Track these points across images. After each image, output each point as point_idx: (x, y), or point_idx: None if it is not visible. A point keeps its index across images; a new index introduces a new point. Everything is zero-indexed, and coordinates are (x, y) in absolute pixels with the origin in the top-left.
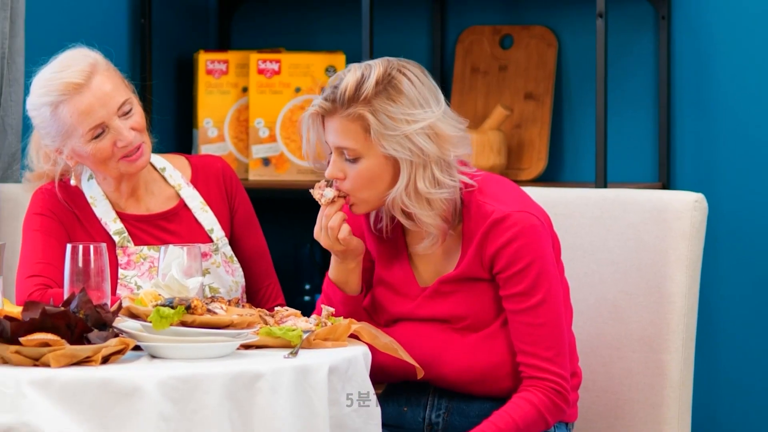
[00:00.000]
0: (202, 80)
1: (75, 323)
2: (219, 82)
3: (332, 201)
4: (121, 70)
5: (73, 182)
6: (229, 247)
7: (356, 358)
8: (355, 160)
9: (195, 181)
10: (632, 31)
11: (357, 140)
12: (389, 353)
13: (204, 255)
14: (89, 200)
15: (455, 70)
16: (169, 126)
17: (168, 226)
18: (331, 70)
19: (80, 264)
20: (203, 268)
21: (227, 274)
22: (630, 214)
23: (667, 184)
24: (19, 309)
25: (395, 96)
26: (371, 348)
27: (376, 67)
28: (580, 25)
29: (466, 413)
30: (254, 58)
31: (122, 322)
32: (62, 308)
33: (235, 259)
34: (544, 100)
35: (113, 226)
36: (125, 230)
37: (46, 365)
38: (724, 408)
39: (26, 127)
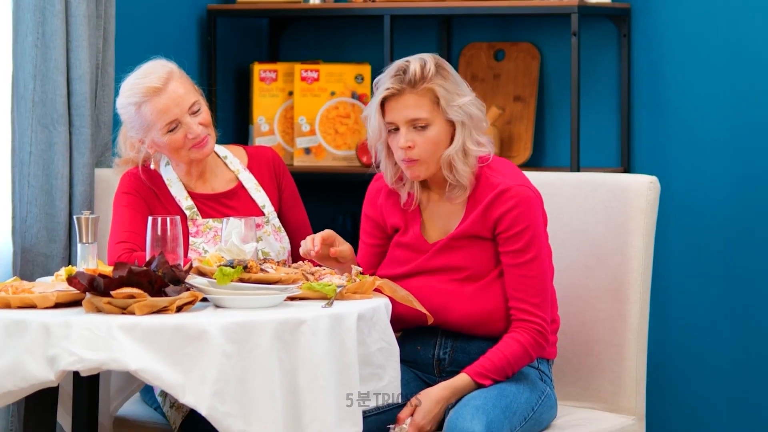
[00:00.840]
0: (257, 86)
1: (155, 280)
2: (270, 88)
3: None
4: (192, 77)
5: (152, 167)
6: (277, 220)
7: (379, 308)
8: (425, 128)
9: (251, 167)
10: (600, 46)
11: (427, 110)
12: (406, 304)
13: (257, 226)
14: (166, 182)
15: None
16: (230, 122)
17: (229, 203)
18: (359, 78)
19: (159, 232)
20: (257, 236)
21: (276, 241)
22: (598, 193)
23: (627, 168)
24: (110, 269)
25: (448, 77)
26: (391, 300)
27: (429, 58)
28: (558, 42)
29: (467, 351)
30: (298, 68)
31: (192, 279)
32: (144, 268)
33: (282, 229)
34: (530, 101)
35: (185, 202)
36: (195, 206)
37: (132, 313)
38: (673, 345)
39: (116, 123)
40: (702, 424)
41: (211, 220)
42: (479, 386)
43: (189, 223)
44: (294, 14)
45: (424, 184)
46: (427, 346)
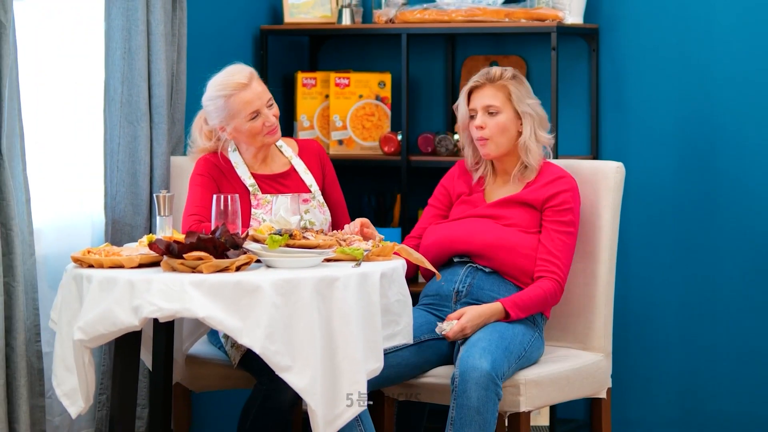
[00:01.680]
0: (300, 90)
1: (218, 245)
2: (310, 92)
3: None
4: None
5: (221, 152)
6: (321, 197)
7: (398, 267)
8: (495, 114)
9: (301, 155)
10: (574, 58)
11: (500, 101)
12: (419, 264)
13: (305, 201)
14: (233, 164)
15: (460, 84)
16: (279, 119)
17: (283, 182)
18: (381, 84)
19: (221, 207)
20: (305, 209)
21: (320, 214)
22: (576, 175)
23: (596, 155)
24: (183, 236)
25: (522, 82)
26: (407, 261)
27: (509, 68)
28: (541, 55)
29: (482, 287)
30: (333, 76)
31: (248, 244)
32: (210, 235)
33: (325, 204)
34: None
35: (248, 180)
36: (256, 184)
37: (200, 272)
38: (634, 296)
39: (188, 120)
40: (657, 359)
41: (268, 195)
42: (507, 315)
43: (251, 197)
44: (330, 33)
45: (494, 172)
46: (450, 282)
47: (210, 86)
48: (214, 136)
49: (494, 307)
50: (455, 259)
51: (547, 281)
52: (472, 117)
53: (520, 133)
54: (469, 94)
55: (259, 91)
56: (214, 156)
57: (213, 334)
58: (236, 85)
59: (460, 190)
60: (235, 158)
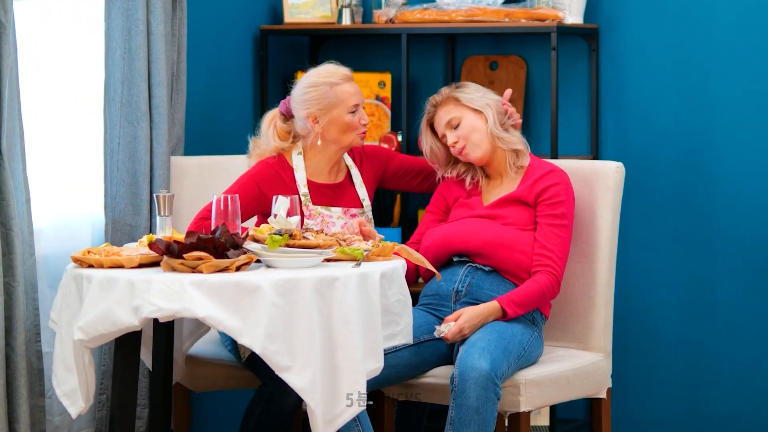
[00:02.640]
0: None
1: (218, 245)
2: None
3: None
4: (247, 85)
5: (283, 155)
6: (371, 212)
7: (398, 267)
8: (458, 124)
9: (359, 164)
10: (574, 58)
11: (455, 111)
12: (419, 264)
13: (353, 216)
14: (294, 168)
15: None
16: None
17: (338, 191)
18: (381, 83)
19: (222, 207)
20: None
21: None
22: (575, 175)
23: (596, 155)
24: (183, 236)
25: (466, 85)
26: (407, 261)
27: (450, 87)
28: (541, 55)
29: (481, 286)
30: None
31: (248, 244)
32: (210, 235)
33: (372, 220)
34: (518, 103)
35: (302, 189)
36: (308, 193)
37: (200, 272)
38: (633, 297)
39: (187, 120)
40: (657, 359)
41: (320, 207)
42: (504, 313)
43: (303, 207)
44: (330, 33)
45: (487, 176)
46: (449, 282)
47: (311, 75)
48: (290, 137)
49: (491, 306)
50: (455, 259)
51: (542, 275)
52: (444, 144)
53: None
54: (430, 126)
55: (359, 89)
56: (277, 161)
57: (224, 333)
58: (343, 75)
59: (457, 194)
60: (297, 162)
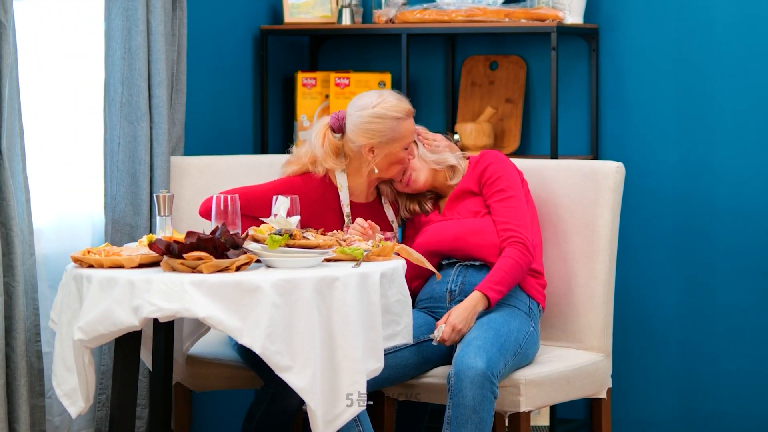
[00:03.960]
0: (300, 90)
1: (218, 245)
2: (310, 92)
3: None
4: (248, 85)
5: (328, 174)
6: (400, 234)
7: (398, 267)
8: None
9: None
10: (574, 58)
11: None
12: (420, 265)
13: (388, 239)
14: (338, 186)
15: (461, 84)
16: (278, 119)
17: (372, 213)
18: (381, 84)
19: (221, 208)
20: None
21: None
22: (575, 175)
23: (596, 155)
24: (183, 236)
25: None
26: (407, 261)
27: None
28: (541, 55)
29: (473, 283)
30: (333, 76)
31: (248, 244)
32: (210, 235)
33: (398, 237)
34: (518, 102)
35: (346, 209)
36: (350, 214)
37: (200, 272)
38: (633, 296)
39: (188, 119)
40: (657, 359)
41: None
42: (487, 298)
43: (344, 227)
44: (330, 33)
45: (441, 192)
46: (442, 283)
47: (379, 105)
48: (341, 153)
49: (474, 296)
50: (444, 262)
51: (509, 248)
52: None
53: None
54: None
55: (414, 125)
56: (322, 179)
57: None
58: (408, 110)
59: (418, 220)
60: (341, 180)
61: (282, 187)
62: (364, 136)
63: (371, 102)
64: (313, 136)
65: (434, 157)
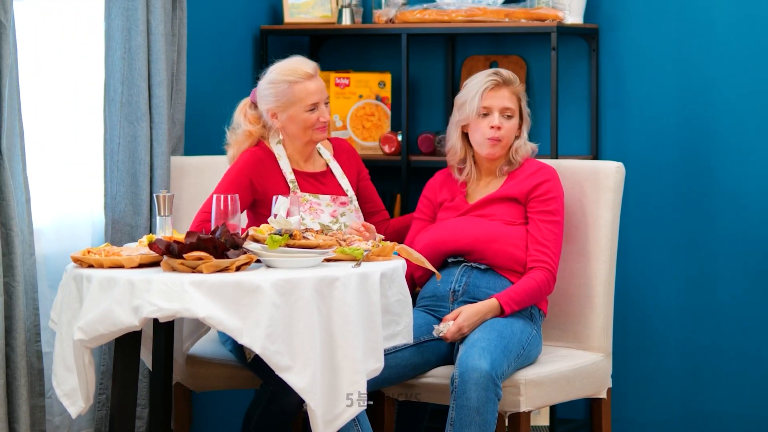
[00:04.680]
0: None
1: (218, 245)
2: None
3: None
4: (248, 83)
5: (266, 144)
6: (357, 202)
7: (398, 267)
8: (509, 117)
9: (336, 157)
10: (574, 58)
11: (515, 105)
12: (420, 265)
13: (343, 203)
14: (276, 157)
15: (461, 84)
16: None
17: (323, 180)
18: (381, 83)
19: (222, 207)
20: (342, 212)
21: (357, 218)
22: (576, 175)
23: (596, 155)
24: (183, 236)
25: (522, 89)
26: (407, 262)
27: (511, 72)
28: (540, 55)
29: (477, 285)
30: (333, 76)
31: (248, 244)
32: (210, 235)
33: (359, 209)
34: None
35: (289, 176)
36: (296, 180)
37: (200, 272)
38: (633, 297)
39: (188, 120)
40: (657, 359)
41: (308, 194)
42: (502, 310)
43: (291, 194)
44: (330, 33)
45: (479, 171)
46: (446, 282)
47: (273, 70)
48: (261, 123)
49: (490, 303)
50: (449, 260)
51: (539, 272)
52: (485, 115)
53: (516, 137)
54: (482, 92)
55: (321, 86)
56: (260, 148)
57: (223, 333)
58: (303, 73)
59: (442, 198)
60: (278, 151)
61: (235, 174)
62: (262, 102)
63: (271, 68)
64: (236, 114)
65: (524, 148)
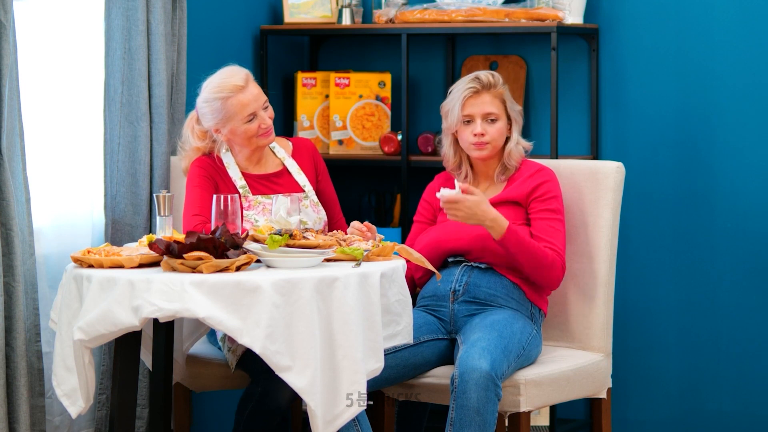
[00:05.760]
0: (300, 90)
1: (218, 245)
2: (310, 92)
3: None
4: None
5: (216, 154)
6: (315, 196)
7: (398, 267)
8: (494, 121)
9: (294, 155)
10: (574, 58)
11: (498, 108)
12: (419, 264)
13: (298, 200)
14: (225, 165)
15: None
16: (278, 119)
17: (277, 181)
18: (381, 84)
19: (221, 207)
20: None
21: (314, 213)
22: (576, 175)
23: (596, 156)
24: (183, 236)
25: (506, 89)
26: (408, 262)
27: (495, 73)
28: (540, 55)
29: (478, 285)
30: (333, 76)
31: (248, 244)
32: (210, 235)
33: (319, 203)
34: (518, 102)
35: (239, 182)
36: (246, 185)
37: (200, 272)
38: (633, 297)
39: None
40: (657, 359)
41: (260, 196)
42: (503, 238)
43: (242, 199)
44: (330, 33)
45: (475, 174)
46: (446, 282)
47: (205, 88)
48: (208, 137)
49: (501, 220)
50: (450, 260)
51: (552, 253)
52: (467, 122)
53: (507, 138)
54: (464, 100)
55: (255, 94)
56: (209, 158)
57: (212, 335)
58: (233, 87)
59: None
60: (227, 159)
61: (200, 176)
62: (203, 120)
63: (203, 86)
64: (184, 130)
65: (517, 150)
